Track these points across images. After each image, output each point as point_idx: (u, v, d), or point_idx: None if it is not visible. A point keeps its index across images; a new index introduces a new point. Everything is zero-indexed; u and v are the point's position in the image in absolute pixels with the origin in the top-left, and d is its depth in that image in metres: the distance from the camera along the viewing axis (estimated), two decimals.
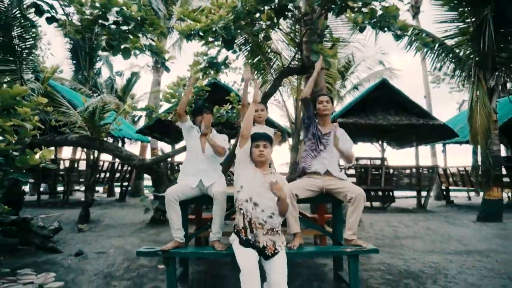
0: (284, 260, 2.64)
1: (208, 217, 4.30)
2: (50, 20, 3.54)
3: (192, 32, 4.29)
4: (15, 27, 5.89)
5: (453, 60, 8.29)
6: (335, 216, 3.58)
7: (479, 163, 7.70)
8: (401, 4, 3.95)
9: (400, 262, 4.24)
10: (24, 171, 3.05)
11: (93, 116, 6.64)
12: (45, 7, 3.54)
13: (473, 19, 7.52)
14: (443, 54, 8.32)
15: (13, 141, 3.00)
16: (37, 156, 3.34)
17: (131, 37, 3.84)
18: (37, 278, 3.52)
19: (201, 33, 4.24)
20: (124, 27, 3.83)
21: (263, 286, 2.57)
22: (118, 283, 3.54)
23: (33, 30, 6.21)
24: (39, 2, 3.47)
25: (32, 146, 4.95)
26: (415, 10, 17.73)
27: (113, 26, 3.73)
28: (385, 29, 3.97)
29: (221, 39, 4.25)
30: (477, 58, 7.72)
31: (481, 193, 14.95)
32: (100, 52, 14.38)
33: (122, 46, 3.80)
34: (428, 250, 4.96)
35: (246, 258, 2.53)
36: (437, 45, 8.19)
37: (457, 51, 8.25)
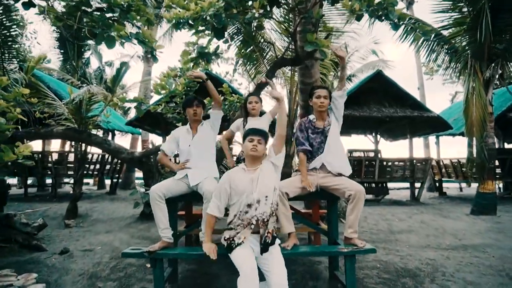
0: (281, 259, 2.51)
1: (199, 212, 4.11)
2: (27, 5, 3.28)
3: (182, 21, 4.09)
4: None
5: (448, 52, 8.14)
6: (330, 213, 3.44)
7: (474, 156, 7.59)
8: None
9: (396, 259, 4.13)
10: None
11: (79, 108, 6.39)
12: None
13: (470, 9, 7.34)
14: (438, 45, 8.18)
15: None
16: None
17: (116, 25, 3.61)
18: (17, 279, 3.31)
19: (190, 22, 4.04)
20: (109, 14, 3.62)
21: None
22: (104, 284, 3.37)
23: (15, 17, 5.94)
24: None
25: (15, 139, 4.72)
26: (409, 0, 17.56)
27: (96, 13, 3.51)
28: (383, 18, 3.80)
29: (211, 28, 4.05)
30: (473, 49, 7.58)
31: (472, 185, 15.09)
32: (88, 42, 14.00)
33: (106, 34, 3.58)
34: (424, 245, 4.87)
35: (244, 260, 2.39)
36: (432, 35, 8.02)
37: (453, 42, 8.10)
